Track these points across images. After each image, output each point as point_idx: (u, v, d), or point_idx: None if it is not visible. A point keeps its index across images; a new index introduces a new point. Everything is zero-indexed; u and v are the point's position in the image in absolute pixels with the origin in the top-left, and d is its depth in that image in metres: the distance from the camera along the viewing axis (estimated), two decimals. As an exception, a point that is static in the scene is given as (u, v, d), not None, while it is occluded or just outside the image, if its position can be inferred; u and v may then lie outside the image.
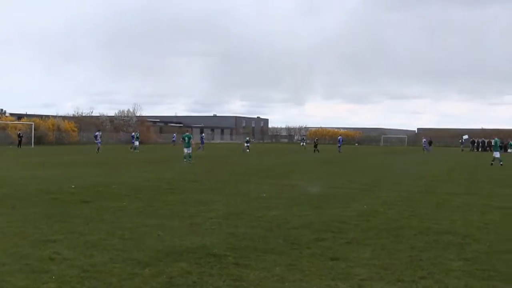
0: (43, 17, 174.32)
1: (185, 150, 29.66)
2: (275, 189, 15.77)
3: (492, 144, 33.34)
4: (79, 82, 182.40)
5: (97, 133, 44.53)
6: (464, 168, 29.80)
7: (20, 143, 54.41)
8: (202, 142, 50.76)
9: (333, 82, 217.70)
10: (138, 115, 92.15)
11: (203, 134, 56.68)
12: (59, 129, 70.18)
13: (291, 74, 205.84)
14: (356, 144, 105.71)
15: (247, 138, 57.24)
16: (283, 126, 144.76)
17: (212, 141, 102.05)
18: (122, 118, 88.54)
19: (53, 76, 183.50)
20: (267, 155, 44.91)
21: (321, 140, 64.21)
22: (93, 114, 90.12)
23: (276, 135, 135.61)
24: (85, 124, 78.47)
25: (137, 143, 47.69)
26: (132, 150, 46.55)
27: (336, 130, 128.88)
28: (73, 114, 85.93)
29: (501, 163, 32.10)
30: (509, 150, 48.03)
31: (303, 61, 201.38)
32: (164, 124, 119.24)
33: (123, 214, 10.54)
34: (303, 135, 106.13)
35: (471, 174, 25.08)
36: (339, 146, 53.58)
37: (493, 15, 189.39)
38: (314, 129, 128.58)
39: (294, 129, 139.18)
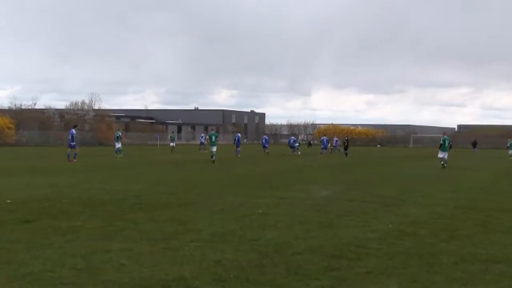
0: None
1: (212, 148, 37.79)
2: (272, 203, 15.75)
3: (441, 142, 34.68)
4: (17, 65, 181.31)
5: (118, 133, 44.89)
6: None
7: None
8: (238, 145, 51.02)
9: (346, 67, 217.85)
10: (97, 108, 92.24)
11: (239, 134, 57.26)
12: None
13: (292, 56, 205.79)
14: (378, 145, 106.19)
15: (296, 139, 63.26)
16: (284, 122, 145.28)
17: (193, 142, 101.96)
18: (76, 112, 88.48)
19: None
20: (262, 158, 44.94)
21: (332, 141, 65.03)
22: (36, 107, 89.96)
23: (275, 134, 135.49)
24: (25, 119, 78.09)
25: (119, 145, 47.19)
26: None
27: (352, 128, 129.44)
28: (9, 107, 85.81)
29: (445, 164, 33.90)
30: (510, 152, 51.15)
31: (308, 40, 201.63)
32: (131, 119, 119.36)
33: (76, 237, 10.48)
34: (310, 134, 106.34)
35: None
36: (322, 148, 57.36)
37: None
38: (323, 126, 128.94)
39: (298, 126, 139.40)
